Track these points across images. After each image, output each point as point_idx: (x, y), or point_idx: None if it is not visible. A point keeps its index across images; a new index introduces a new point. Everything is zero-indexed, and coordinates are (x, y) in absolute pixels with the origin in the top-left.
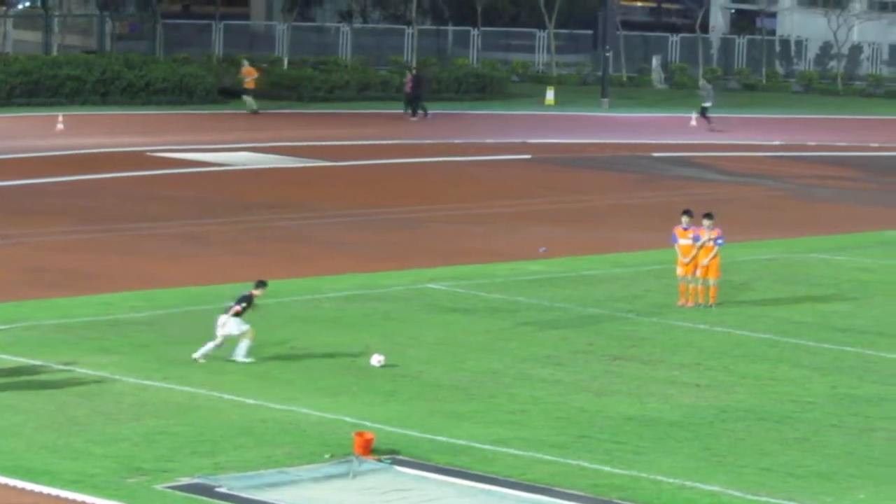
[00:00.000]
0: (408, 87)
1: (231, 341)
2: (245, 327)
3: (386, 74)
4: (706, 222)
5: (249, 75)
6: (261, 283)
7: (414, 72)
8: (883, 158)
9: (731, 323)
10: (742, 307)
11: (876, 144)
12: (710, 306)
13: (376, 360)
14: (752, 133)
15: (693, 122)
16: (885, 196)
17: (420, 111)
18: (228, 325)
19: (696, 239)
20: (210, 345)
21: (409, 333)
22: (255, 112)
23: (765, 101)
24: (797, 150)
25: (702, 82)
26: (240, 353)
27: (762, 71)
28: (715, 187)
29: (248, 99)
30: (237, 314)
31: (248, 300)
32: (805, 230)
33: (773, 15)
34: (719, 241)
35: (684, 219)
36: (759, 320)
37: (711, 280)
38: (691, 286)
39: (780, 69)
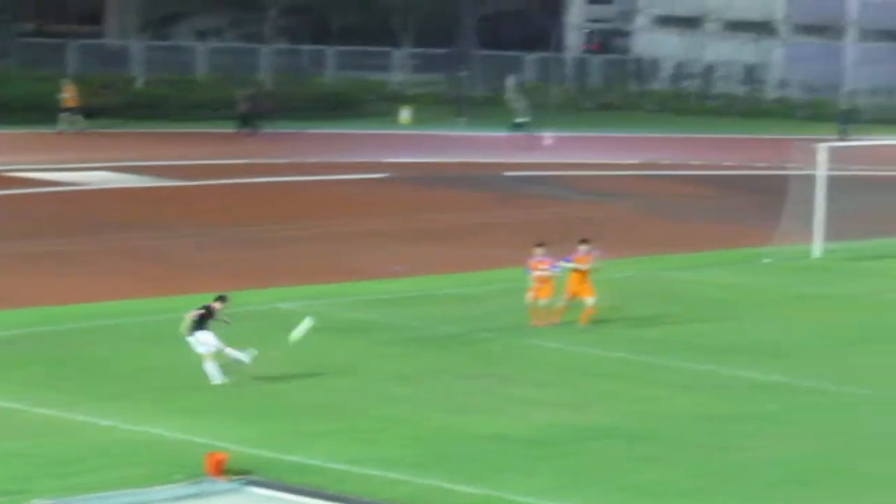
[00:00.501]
0: (245, 107)
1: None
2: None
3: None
4: (583, 248)
5: (69, 93)
6: (221, 297)
7: (251, 91)
8: (737, 177)
9: (588, 341)
10: (599, 326)
11: (730, 163)
12: (581, 325)
13: (304, 326)
14: (609, 152)
15: (548, 141)
16: (740, 214)
17: (251, 129)
18: (209, 338)
19: (553, 268)
20: (212, 365)
21: (264, 353)
22: (67, 132)
23: (620, 119)
24: (653, 169)
25: (518, 101)
26: (216, 375)
27: (618, 90)
28: (571, 206)
29: (66, 117)
30: (199, 322)
31: (207, 309)
32: (662, 248)
33: (628, 34)
34: (563, 262)
35: (538, 250)
36: (617, 338)
37: (588, 300)
38: (542, 309)
39: (635, 88)
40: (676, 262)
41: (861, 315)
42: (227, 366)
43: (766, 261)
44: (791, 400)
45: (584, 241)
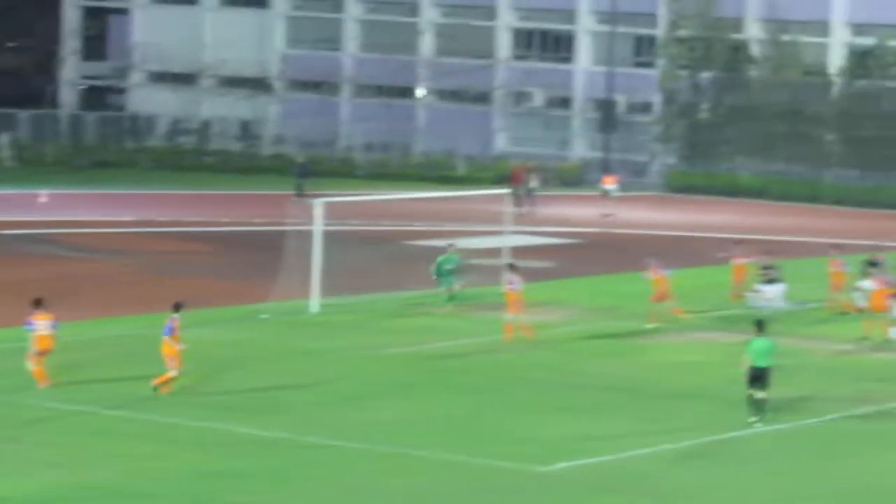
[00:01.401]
0: None
1: None
2: None
3: None
4: (174, 316)
5: None
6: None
7: None
8: (236, 233)
9: (87, 400)
10: (95, 385)
11: (228, 219)
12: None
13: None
14: (105, 209)
15: (42, 199)
16: (239, 270)
17: None
18: None
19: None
20: None
21: None
22: None
23: (117, 176)
24: (150, 226)
25: None
26: None
27: (113, 147)
28: (69, 264)
29: None
30: None
31: None
32: (159, 305)
33: (124, 91)
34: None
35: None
36: (114, 397)
37: (172, 371)
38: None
39: (131, 145)
40: None
41: (356, 370)
42: None
43: (264, 317)
44: (292, 455)
45: (176, 307)
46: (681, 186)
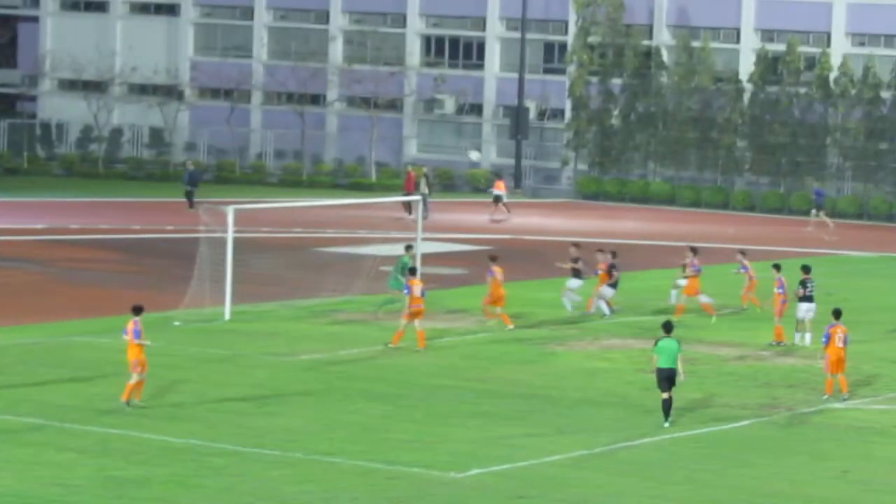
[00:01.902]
0: None
1: None
2: None
3: None
4: (136, 319)
5: None
6: None
7: None
8: (147, 240)
9: None
10: (4, 391)
11: (138, 227)
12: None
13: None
14: (15, 217)
15: None
16: (151, 278)
17: None
18: None
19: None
20: None
21: None
22: None
23: (27, 184)
24: (61, 234)
25: None
26: None
27: (24, 154)
28: None
29: None
30: None
31: None
32: (70, 314)
33: (34, 98)
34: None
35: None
36: (23, 404)
37: (135, 377)
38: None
39: (41, 153)
40: (87, 327)
41: (268, 377)
42: None
43: (176, 324)
44: (202, 462)
45: (136, 311)
46: (592, 193)
